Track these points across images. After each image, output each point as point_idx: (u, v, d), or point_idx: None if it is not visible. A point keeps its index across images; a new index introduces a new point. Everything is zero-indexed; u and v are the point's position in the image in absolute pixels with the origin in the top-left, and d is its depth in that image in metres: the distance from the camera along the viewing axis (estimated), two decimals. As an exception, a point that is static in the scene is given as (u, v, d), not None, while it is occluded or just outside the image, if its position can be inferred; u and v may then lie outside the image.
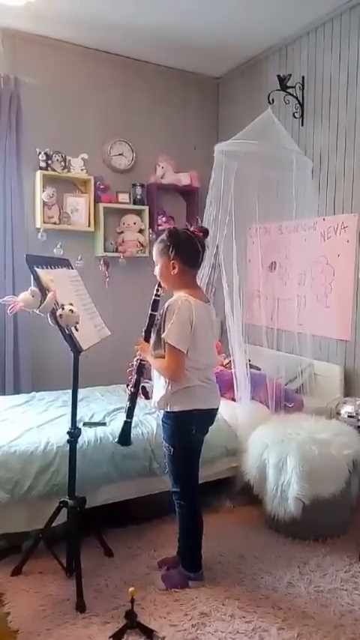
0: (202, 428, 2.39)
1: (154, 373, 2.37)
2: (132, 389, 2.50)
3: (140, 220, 4.35)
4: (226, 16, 3.60)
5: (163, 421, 2.37)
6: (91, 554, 2.54)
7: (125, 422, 2.54)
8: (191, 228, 2.36)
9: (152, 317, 2.40)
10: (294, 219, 3.49)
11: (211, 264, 3.27)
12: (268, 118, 3.37)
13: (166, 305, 2.25)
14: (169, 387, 2.27)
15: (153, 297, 2.42)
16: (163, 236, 2.33)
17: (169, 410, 2.29)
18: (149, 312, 2.41)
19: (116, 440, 2.58)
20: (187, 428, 2.30)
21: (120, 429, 2.57)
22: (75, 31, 3.87)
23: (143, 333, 2.42)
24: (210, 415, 2.40)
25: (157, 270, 2.37)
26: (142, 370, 2.47)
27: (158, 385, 2.34)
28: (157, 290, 2.42)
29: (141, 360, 2.45)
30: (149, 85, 4.43)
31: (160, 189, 4.44)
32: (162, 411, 2.35)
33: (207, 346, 2.32)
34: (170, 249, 2.28)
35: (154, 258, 2.38)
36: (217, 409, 2.43)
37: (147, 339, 2.40)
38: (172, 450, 2.33)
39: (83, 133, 4.17)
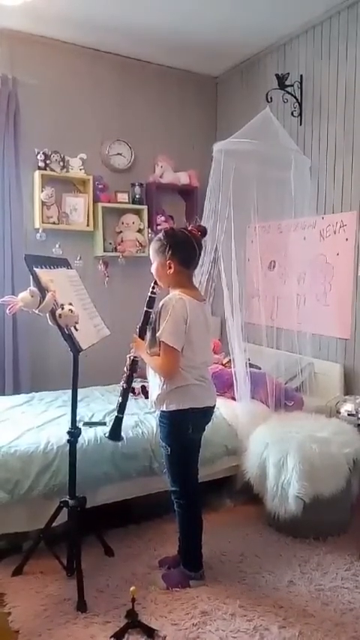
0: (199, 426, 2.39)
1: (150, 372, 2.38)
2: (124, 385, 2.49)
3: (139, 220, 4.34)
4: (224, 16, 3.59)
5: (159, 421, 2.37)
6: (91, 553, 2.54)
7: (116, 417, 2.54)
8: (189, 227, 2.36)
9: (147, 314, 2.40)
10: (293, 217, 3.49)
11: (210, 263, 3.27)
12: (267, 116, 3.37)
13: (160, 303, 2.26)
14: (165, 386, 2.27)
15: (149, 294, 2.42)
16: (160, 235, 2.34)
17: (165, 409, 2.29)
18: (144, 309, 2.41)
19: (107, 435, 2.58)
20: (184, 427, 2.30)
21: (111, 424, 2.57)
22: (73, 30, 3.87)
23: (138, 330, 2.42)
24: (206, 413, 2.40)
25: (153, 269, 2.38)
26: (135, 367, 2.47)
27: (154, 384, 2.34)
28: (153, 287, 2.43)
29: (134, 356, 2.45)
30: (147, 85, 4.42)
31: (158, 189, 4.44)
32: (159, 411, 2.35)
33: (202, 344, 2.32)
34: (167, 248, 2.29)
35: (150, 257, 2.38)
36: (214, 407, 2.43)
37: (142, 336, 2.40)
38: (169, 449, 2.33)
39: (82, 133, 4.17)
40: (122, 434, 2.59)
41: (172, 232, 2.35)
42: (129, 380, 2.49)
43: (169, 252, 2.28)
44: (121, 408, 2.52)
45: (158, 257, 2.33)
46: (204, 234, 2.40)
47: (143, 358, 2.36)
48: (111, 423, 2.57)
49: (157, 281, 2.40)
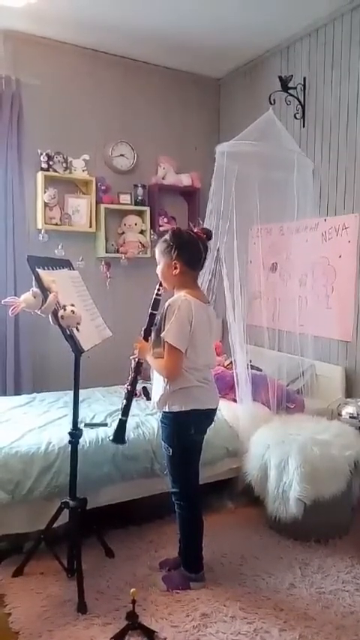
0: (201, 428, 2.39)
1: (154, 373, 2.37)
2: (128, 387, 2.49)
3: (141, 221, 4.35)
4: (228, 17, 3.60)
5: (161, 422, 2.37)
6: (92, 555, 2.54)
7: (120, 420, 2.53)
8: (195, 230, 2.37)
9: (152, 316, 2.40)
10: (295, 220, 3.49)
11: (212, 264, 3.26)
12: (270, 118, 3.37)
13: (166, 304, 2.26)
14: (168, 387, 2.27)
15: (154, 296, 2.43)
16: (167, 236, 2.34)
17: (167, 410, 2.29)
18: (149, 311, 2.41)
19: (111, 438, 2.58)
20: (186, 428, 2.30)
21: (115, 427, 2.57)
22: (76, 32, 3.88)
23: (142, 332, 2.42)
24: (208, 415, 2.40)
25: (158, 270, 2.38)
26: (139, 369, 2.47)
27: (157, 385, 2.34)
28: (158, 289, 2.43)
29: (138, 358, 2.45)
30: (150, 86, 4.43)
31: (161, 190, 4.44)
32: (161, 412, 2.35)
33: (206, 347, 2.32)
34: (172, 249, 2.29)
35: (156, 258, 2.39)
36: (216, 409, 2.43)
37: (146, 338, 2.40)
38: (170, 450, 2.33)
39: (84, 134, 4.17)
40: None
41: (179, 233, 2.35)
42: (133, 382, 2.49)
43: (175, 252, 2.28)
44: (126, 410, 2.51)
45: (164, 258, 2.33)
46: (209, 236, 2.41)
47: (147, 360, 2.36)
48: (115, 426, 2.57)
49: (163, 282, 2.40)
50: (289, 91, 3.76)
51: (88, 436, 2.70)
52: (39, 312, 2.22)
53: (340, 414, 3.21)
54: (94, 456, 2.64)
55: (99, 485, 2.67)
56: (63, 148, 4.02)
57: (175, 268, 2.30)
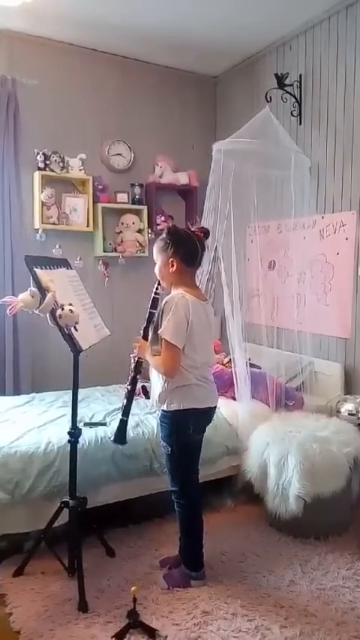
0: (200, 427, 2.39)
1: (153, 371, 2.38)
2: (128, 386, 2.49)
3: (139, 220, 4.34)
4: (224, 15, 3.59)
5: (160, 420, 2.37)
6: (92, 554, 2.55)
7: (121, 420, 2.54)
8: (192, 228, 2.37)
9: (151, 315, 2.40)
10: (293, 217, 3.49)
11: (210, 262, 3.27)
12: (266, 116, 3.37)
13: (163, 302, 2.26)
14: (166, 385, 2.27)
15: (152, 294, 2.43)
16: (163, 234, 2.35)
17: (166, 409, 2.30)
18: (148, 309, 2.41)
19: (112, 438, 2.58)
20: (185, 427, 2.30)
21: (116, 427, 2.57)
22: (72, 31, 3.87)
23: (142, 331, 2.42)
24: (207, 414, 2.40)
25: (156, 268, 2.38)
26: (140, 368, 2.47)
27: (156, 384, 2.34)
28: (157, 288, 2.43)
29: (138, 357, 2.45)
30: (147, 85, 4.42)
31: (158, 189, 4.44)
32: (160, 410, 2.35)
33: (204, 344, 2.32)
34: (169, 246, 2.29)
35: (154, 256, 2.39)
36: (215, 408, 2.43)
37: (145, 336, 2.40)
38: (169, 449, 2.33)
39: (81, 133, 4.17)
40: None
41: (175, 230, 2.36)
42: (133, 381, 2.49)
43: (172, 249, 2.29)
44: (126, 410, 2.51)
45: (161, 255, 2.34)
46: (207, 235, 2.41)
47: (146, 358, 2.36)
48: (116, 426, 2.57)
49: (160, 281, 2.40)
50: (286, 89, 3.76)
51: (87, 435, 2.70)
52: (37, 312, 2.22)
53: (339, 411, 3.21)
54: (93, 455, 2.64)
55: (99, 485, 2.67)
56: (60, 148, 4.02)
57: (172, 266, 2.30)
